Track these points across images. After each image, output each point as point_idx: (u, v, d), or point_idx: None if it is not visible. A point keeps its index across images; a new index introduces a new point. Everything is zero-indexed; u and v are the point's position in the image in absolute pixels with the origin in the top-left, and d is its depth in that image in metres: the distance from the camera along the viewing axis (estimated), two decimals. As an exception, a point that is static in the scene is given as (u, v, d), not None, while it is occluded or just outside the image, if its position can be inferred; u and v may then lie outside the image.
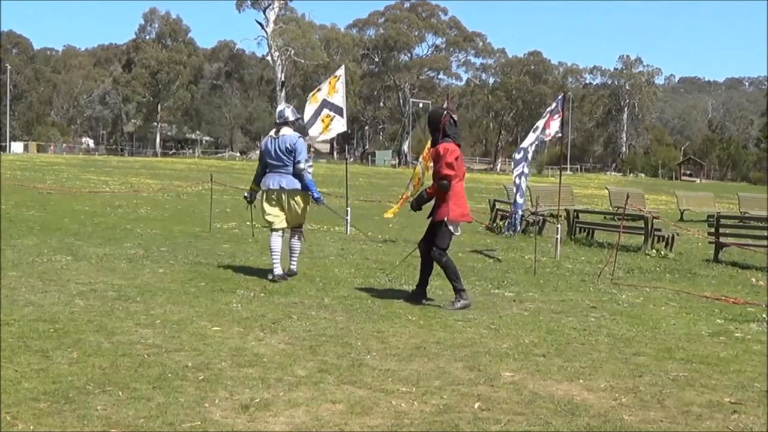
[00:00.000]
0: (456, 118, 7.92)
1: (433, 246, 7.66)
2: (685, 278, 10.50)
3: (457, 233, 7.79)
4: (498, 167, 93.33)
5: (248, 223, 12.82)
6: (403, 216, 19.62)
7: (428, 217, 7.87)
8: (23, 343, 5.44)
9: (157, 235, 12.55)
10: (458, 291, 7.60)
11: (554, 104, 12.29)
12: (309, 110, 13.76)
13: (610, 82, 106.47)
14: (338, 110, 13.84)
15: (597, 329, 6.78)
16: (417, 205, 7.91)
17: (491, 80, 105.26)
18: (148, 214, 16.73)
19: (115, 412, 4.19)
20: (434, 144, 7.81)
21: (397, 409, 4.42)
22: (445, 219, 7.55)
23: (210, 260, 9.95)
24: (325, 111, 13.73)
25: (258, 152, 9.27)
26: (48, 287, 7.57)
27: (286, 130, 8.85)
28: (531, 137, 12.22)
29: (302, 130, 10.06)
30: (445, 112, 7.84)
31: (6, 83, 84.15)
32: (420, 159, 13.54)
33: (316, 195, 8.84)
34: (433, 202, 7.82)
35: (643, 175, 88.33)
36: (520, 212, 12.48)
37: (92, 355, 5.24)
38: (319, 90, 14.05)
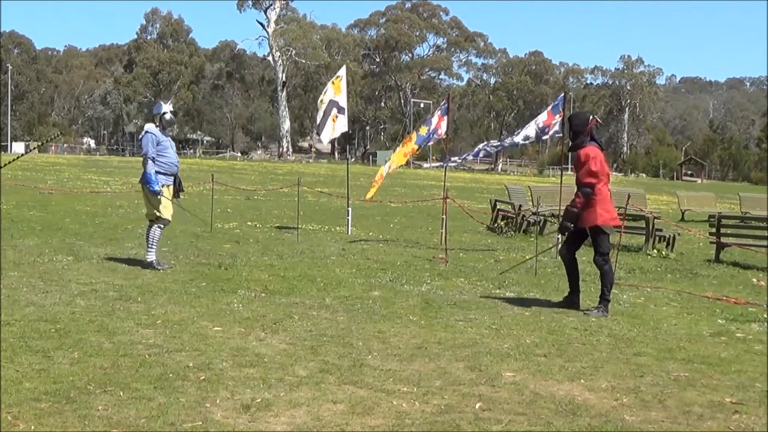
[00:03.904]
0: (601, 122, 7.84)
1: (595, 253, 7.58)
2: (686, 278, 10.49)
3: (609, 233, 7.72)
4: (499, 167, 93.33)
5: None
6: (405, 216, 19.65)
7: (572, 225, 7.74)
8: (24, 343, 5.44)
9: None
10: (605, 300, 7.57)
11: (555, 103, 12.26)
12: (320, 113, 14.54)
13: (611, 83, 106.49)
14: (341, 110, 14.36)
15: (598, 329, 6.78)
16: (569, 222, 7.57)
17: (492, 80, 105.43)
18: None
19: (116, 412, 4.19)
20: (574, 148, 7.68)
21: (398, 410, 4.42)
22: (599, 224, 7.47)
23: (211, 260, 9.96)
24: (334, 111, 14.40)
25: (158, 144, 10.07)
26: (49, 287, 7.57)
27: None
28: (522, 133, 12.28)
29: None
30: (591, 116, 7.75)
31: (7, 83, 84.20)
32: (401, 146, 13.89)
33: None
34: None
35: (644, 175, 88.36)
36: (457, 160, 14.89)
37: (93, 355, 5.24)
38: (325, 93, 14.64)
